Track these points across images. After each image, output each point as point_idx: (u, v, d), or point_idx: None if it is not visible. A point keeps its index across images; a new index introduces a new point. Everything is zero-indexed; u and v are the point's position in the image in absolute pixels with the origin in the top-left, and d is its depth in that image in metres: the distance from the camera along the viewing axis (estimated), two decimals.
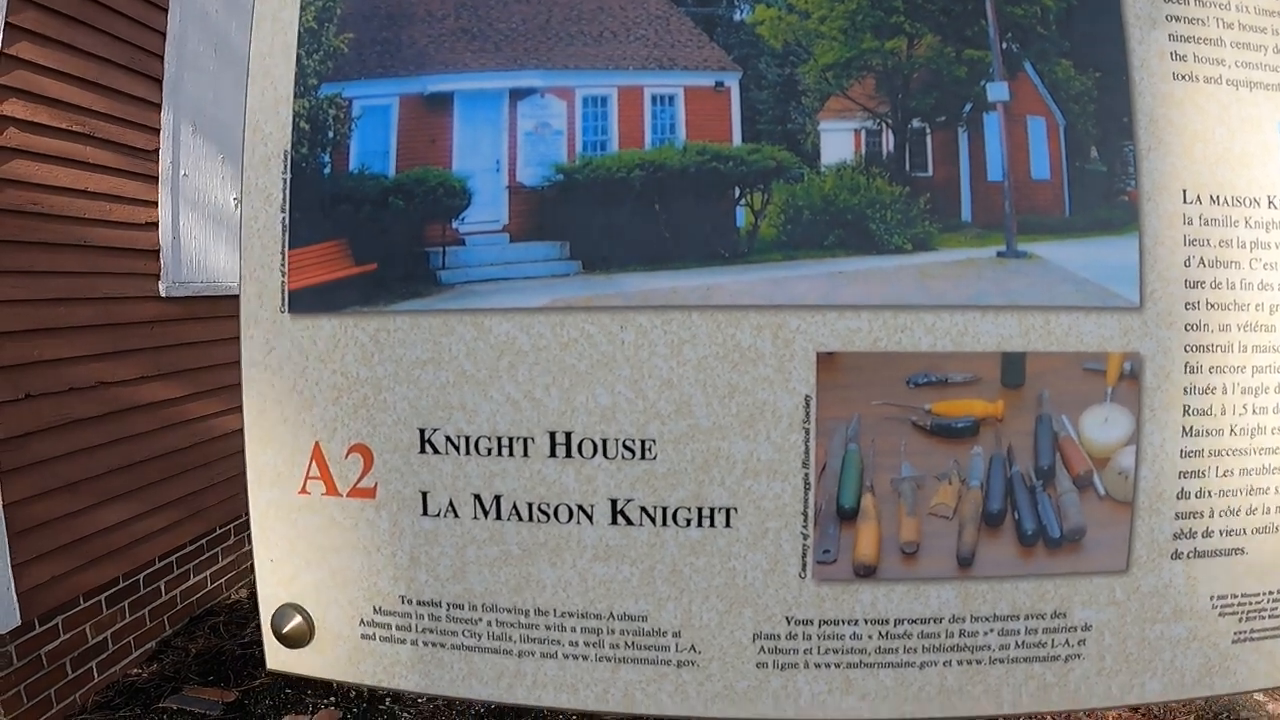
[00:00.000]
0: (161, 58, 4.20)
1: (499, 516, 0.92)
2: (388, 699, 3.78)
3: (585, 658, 0.92)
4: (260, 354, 0.95)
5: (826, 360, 0.90)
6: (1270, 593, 0.94)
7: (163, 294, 4.18)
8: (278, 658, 1.01)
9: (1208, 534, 0.92)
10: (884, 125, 0.93)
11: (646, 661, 0.92)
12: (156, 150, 4.19)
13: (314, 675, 1.00)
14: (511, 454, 0.91)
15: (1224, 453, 0.91)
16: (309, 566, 0.98)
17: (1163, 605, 0.93)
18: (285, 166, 0.94)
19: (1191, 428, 0.90)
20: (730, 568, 0.91)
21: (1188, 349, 0.89)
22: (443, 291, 0.91)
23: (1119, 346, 0.90)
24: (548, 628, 0.93)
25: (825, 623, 0.92)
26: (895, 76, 0.90)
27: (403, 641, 0.96)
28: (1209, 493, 0.91)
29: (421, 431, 0.92)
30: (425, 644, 0.96)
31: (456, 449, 0.92)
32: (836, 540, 0.92)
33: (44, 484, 3.50)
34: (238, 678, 4.05)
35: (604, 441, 0.90)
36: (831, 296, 0.89)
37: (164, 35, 4.20)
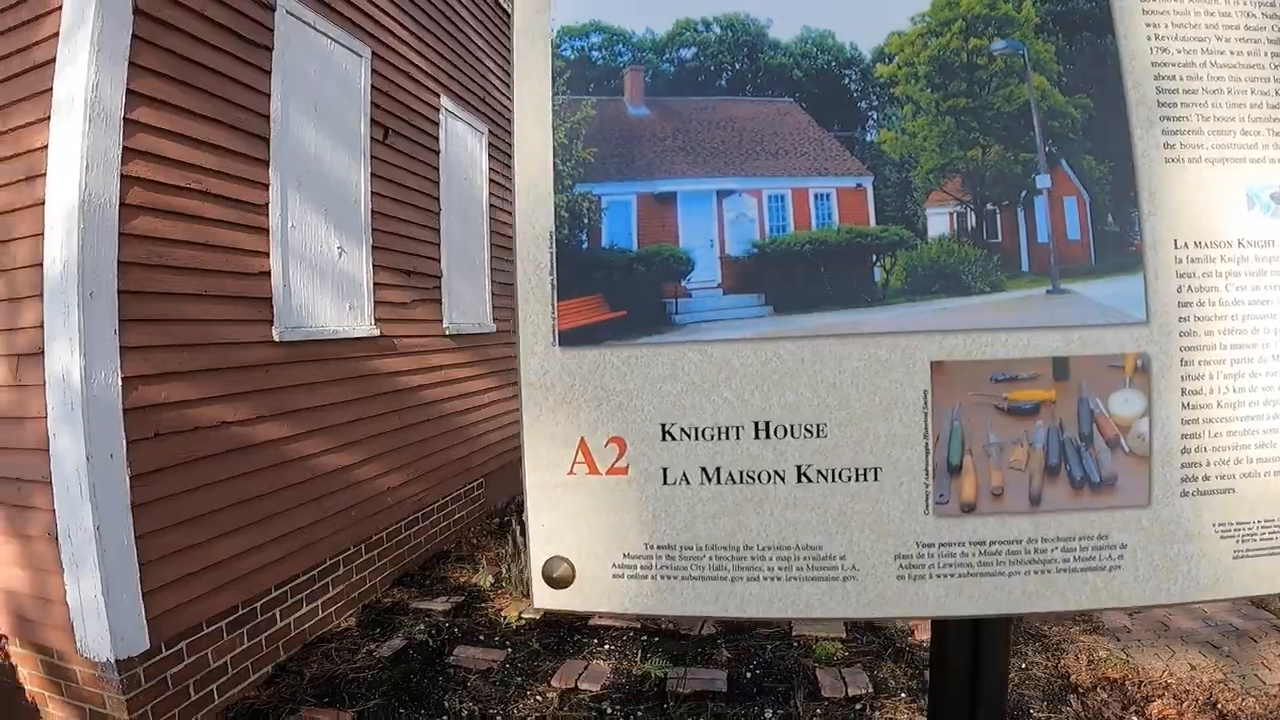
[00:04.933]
0: (267, 117, 4.26)
1: (718, 482, 1.27)
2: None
3: (779, 579, 1.27)
4: (536, 376, 1.31)
5: (937, 367, 1.26)
6: (1258, 521, 1.16)
7: (276, 339, 4.27)
8: (543, 598, 1.34)
9: (1206, 479, 1.16)
10: (968, 209, 1.27)
11: (821, 579, 1.28)
12: (265, 204, 4.26)
13: (575, 610, 1.32)
14: (727, 438, 1.27)
15: (1213, 420, 1.15)
16: (573, 527, 1.32)
17: (1177, 531, 1.16)
18: (551, 244, 1.30)
19: (1189, 404, 1.16)
20: (878, 509, 1.26)
21: (1182, 349, 1.15)
22: (675, 329, 1.28)
23: (1133, 349, 1.15)
24: (753, 559, 1.28)
25: (942, 545, 1.25)
26: (975, 175, 1.28)
27: (645, 577, 1.30)
28: (1204, 449, 1.16)
29: (663, 425, 1.28)
30: (663, 578, 1.29)
31: (688, 437, 1.28)
32: (949, 488, 1.26)
33: (171, 517, 3.61)
34: (352, 699, 4.10)
35: (791, 426, 1.27)
36: (938, 324, 1.25)
37: (268, 96, 4.26)
